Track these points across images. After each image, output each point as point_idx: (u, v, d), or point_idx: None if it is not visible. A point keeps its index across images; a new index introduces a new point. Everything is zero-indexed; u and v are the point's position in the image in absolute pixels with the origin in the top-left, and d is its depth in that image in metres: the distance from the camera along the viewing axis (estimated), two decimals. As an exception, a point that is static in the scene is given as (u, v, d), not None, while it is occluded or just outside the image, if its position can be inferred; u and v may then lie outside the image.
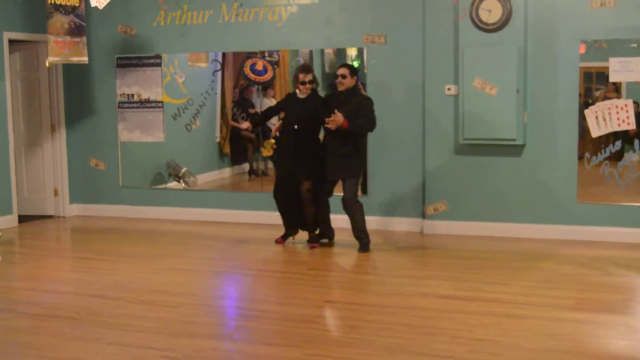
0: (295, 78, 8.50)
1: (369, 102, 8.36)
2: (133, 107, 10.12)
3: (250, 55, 10.20)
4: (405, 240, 8.97)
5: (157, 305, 6.56)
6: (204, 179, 11.00)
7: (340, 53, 10.27)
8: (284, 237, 8.85)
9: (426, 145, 9.24)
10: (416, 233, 9.31)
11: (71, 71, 10.83)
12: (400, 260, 8.04)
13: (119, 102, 10.69)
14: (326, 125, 8.14)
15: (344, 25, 9.60)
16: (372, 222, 9.49)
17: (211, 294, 7.02)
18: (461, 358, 5.17)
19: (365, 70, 9.66)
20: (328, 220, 8.68)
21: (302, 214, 8.62)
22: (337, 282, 7.30)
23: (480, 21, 8.77)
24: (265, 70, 10.13)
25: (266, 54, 10.11)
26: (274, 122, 10.28)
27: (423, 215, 9.35)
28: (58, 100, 10.82)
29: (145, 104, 10.50)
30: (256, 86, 10.41)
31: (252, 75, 10.19)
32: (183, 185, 10.74)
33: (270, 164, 10.86)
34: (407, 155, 9.39)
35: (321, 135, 8.57)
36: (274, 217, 9.83)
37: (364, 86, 9.71)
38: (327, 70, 10.52)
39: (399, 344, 5.42)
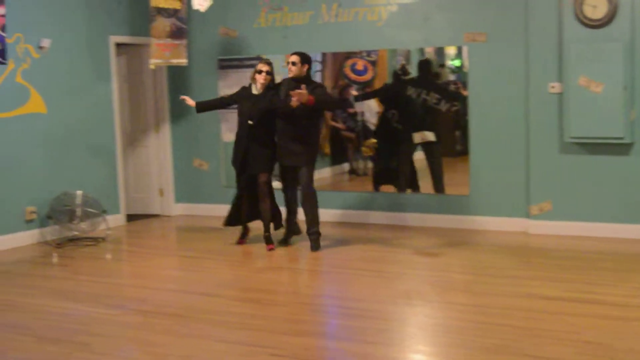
0: (255, 71, 8.58)
1: (322, 87, 8.66)
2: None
3: (350, 55, 10.23)
4: (509, 241, 8.86)
5: (263, 304, 6.65)
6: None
7: (440, 52, 10.20)
8: (243, 237, 9.01)
9: (530, 144, 9.10)
10: (520, 233, 9.18)
11: (175, 73, 11.06)
12: (504, 261, 7.94)
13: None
14: (290, 102, 8.09)
15: (444, 23, 9.53)
16: (475, 222, 9.45)
17: (315, 293, 7.08)
18: (570, 361, 5.10)
19: (465, 70, 9.59)
20: (295, 214, 8.89)
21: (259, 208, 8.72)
22: (439, 282, 7.26)
23: (585, 17, 8.59)
24: (365, 70, 10.14)
25: (364, 54, 10.12)
26: (374, 122, 10.30)
27: (527, 215, 9.22)
28: (163, 102, 11.07)
29: (247, 104, 10.62)
30: (355, 86, 10.42)
31: (352, 75, 10.21)
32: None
33: (370, 164, 10.87)
34: (511, 154, 9.27)
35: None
36: (376, 217, 9.87)
37: (464, 85, 9.63)
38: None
39: (504, 345, 5.37)
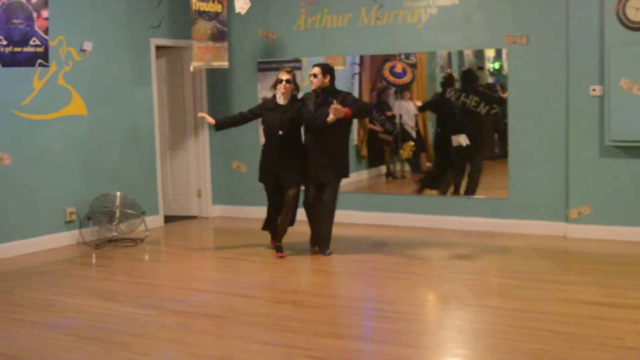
0: (276, 80, 8.31)
1: (350, 94, 8.46)
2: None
3: (388, 57, 10.21)
4: (548, 245, 8.78)
5: (301, 306, 6.65)
6: (342, 181, 11.05)
7: (479, 54, 10.15)
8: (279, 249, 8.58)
9: (570, 147, 9.02)
10: (559, 237, 9.10)
11: (214, 76, 11.12)
12: (544, 265, 7.87)
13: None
14: (328, 118, 7.91)
15: (485, 26, 9.48)
16: (513, 225, 9.38)
17: (352, 295, 7.06)
18: (611, 366, 5.04)
19: (505, 73, 9.53)
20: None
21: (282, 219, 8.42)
22: (477, 286, 7.21)
23: (628, 19, 8.49)
24: (404, 73, 10.13)
25: (402, 56, 10.10)
26: (412, 125, 10.28)
27: (566, 219, 9.14)
28: (202, 104, 11.12)
29: (285, 107, 10.64)
30: (394, 89, 10.41)
31: (391, 78, 10.20)
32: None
33: (407, 167, 10.84)
34: (550, 157, 9.19)
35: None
36: (413, 220, 9.84)
37: (503, 88, 9.58)
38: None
39: (544, 350, 5.31)
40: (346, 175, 8.54)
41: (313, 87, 8.32)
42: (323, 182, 8.35)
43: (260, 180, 8.58)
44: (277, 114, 8.22)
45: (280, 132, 8.18)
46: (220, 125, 8.61)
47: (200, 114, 8.76)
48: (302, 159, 8.32)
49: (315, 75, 8.25)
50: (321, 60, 10.50)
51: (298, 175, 8.32)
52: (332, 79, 8.35)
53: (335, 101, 7.96)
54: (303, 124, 8.34)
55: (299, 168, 8.30)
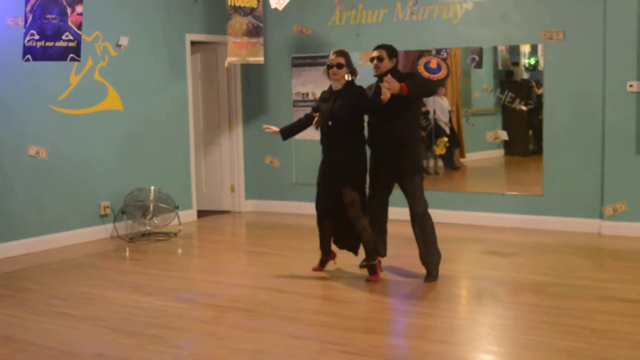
0: (327, 66, 7.17)
1: (414, 74, 7.28)
2: (307, 106, 10.28)
3: (422, 53, 10.17)
4: (582, 242, 8.71)
5: (333, 301, 6.66)
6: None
7: (514, 50, 10.10)
8: (322, 264, 7.62)
9: (606, 144, 8.94)
10: (594, 234, 9.03)
11: (249, 71, 11.15)
12: (579, 262, 7.81)
13: (294, 101, 10.91)
14: (382, 96, 6.72)
15: (521, 21, 9.41)
16: (548, 222, 9.32)
17: (385, 291, 7.03)
18: (647, 365, 4.99)
19: (540, 68, 9.46)
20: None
21: (350, 232, 7.27)
22: (511, 282, 7.17)
23: (666, 14, 8.41)
24: (439, 68, 10.03)
25: (433, 51, 10.05)
26: (446, 121, 10.24)
27: (601, 216, 9.06)
28: (236, 100, 11.16)
29: (319, 102, 10.64)
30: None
31: (426, 74, 10.10)
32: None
33: (440, 163, 10.81)
34: (586, 153, 9.11)
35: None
36: (446, 216, 9.80)
37: (538, 84, 9.51)
38: (499, 67, 10.37)
39: (580, 348, 5.27)
40: (415, 171, 7.16)
41: (377, 73, 7.16)
42: (387, 183, 7.31)
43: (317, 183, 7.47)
44: (329, 103, 7.15)
45: (330, 123, 7.08)
46: (286, 134, 7.69)
47: (265, 126, 7.78)
48: (360, 156, 7.14)
49: (380, 59, 7.10)
50: (356, 56, 10.49)
51: (352, 175, 7.09)
52: (397, 62, 7.28)
53: (389, 75, 6.84)
54: (364, 114, 7.16)
55: (354, 167, 7.11)
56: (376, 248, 7.24)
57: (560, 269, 7.52)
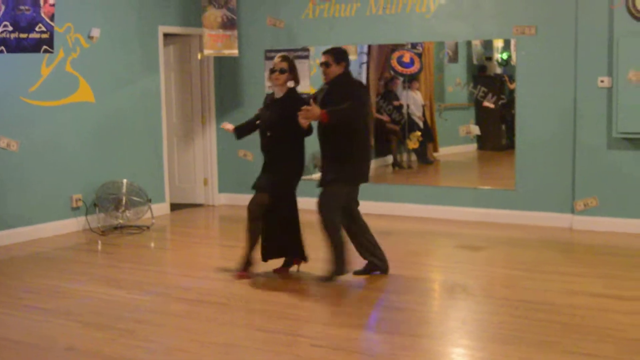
0: (270, 70, 6.95)
1: (359, 86, 7.04)
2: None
3: (396, 47, 10.19)
4: (554, 236, 8.77)
5: (306, 294, 6.66)
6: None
7: (487, 44, 10.14)
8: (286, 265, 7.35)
9: (577, 139, 9.00)
10: (565, 229, 9.09)
11: (222, 64, 11.12)
12: (550, 256, 7.86)
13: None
14: (300, 120, 6.50)
15: (493, 16, 9.44)
16: (520, 216, 9.37)
17: (357, 284, 7.03)
18: (614, 358, 5.02)
19: (513, 63, 9.51)
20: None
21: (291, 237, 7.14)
22: (482, 276, 7.21)
23: (637, 10, 8.45)
24: (412, 63, 10.11)
25: (409, 46, 10.08)
26: (419, 115, 10.27)
27: (573, 211, 9.12)
28: (209, 93, 11.13)
29: (292, 95, 10.60)
30: (401, 78, 10.40)
31: (399, 68, 10.19)
32: (328, 176, 10.83)
33: (414, 157, 10.85)
34: (557, 148, 9.17)
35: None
36: (419, 210, 9.84)
37: (511, 78, 9.56)
38: (474, 62, 10.42)
39: (549, 342, 5.31)
40: (338, 183, 6.82)
41: (324, 80, 6.91)
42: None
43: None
44: (268, 111, 6.97)
45: (268, 134, 6.91)
46: (240, 133, 7.42)
47: (223, 125, 7.62)
48: (290, 167, 6.95)
49: (327, 65, 6.79)
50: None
51: (274, 183, 6.93)
52: (347, 65, 6.89)
53: (312, 102, 6.67)
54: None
55: (279, 175, 6.93)
56: (250, 252, 7.02)
57: (531, 263, 7.57)
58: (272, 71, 6.85)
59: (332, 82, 6.82)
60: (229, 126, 7.48)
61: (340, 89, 6.73)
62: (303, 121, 6.51)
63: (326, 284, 6.90)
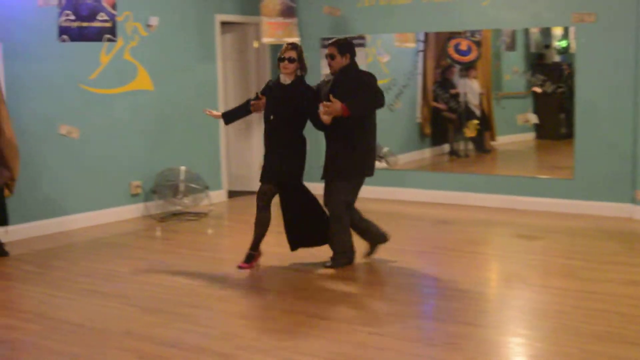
0: (278, 58, 6.94)
1: (369, 76, 6.88)
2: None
3: (453, 35, 10.11)
4: (613, 226, 8.63)
5: (361, 283, 6.68)
6: (405, 159, 11.03)
7: (546, 32, 10.01)
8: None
9: (638, 128, 8.83)
10: (625, 219, 8.94)
11: (278, 52, 11.11)
12: (609, 246, 7.74)
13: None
14: (322, 116, 6.59)
15: (552, 3, 9.30)
16: (578, 206, 9.25)
17: (414, 273, 7.02)
18: (677, 350, 4.95)
19: (572, 51, 9.36)
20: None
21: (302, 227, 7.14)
22: (541, 266, 7.14)
23: (702, -3, 8.28)
24: (469, 50, 10.02)
25: (467, 34, 9.99)
26: (476, 103, 10.18)
27: (633, 201, 8.97)
28: (265, 80, 11.11)
29: (349, 84, 10.56)
30: (458, 66, 10.32)
31: (456, 56, 10.11)
32: (384, 164, 10.81)
33: (471, 145, 10.77)
34: (617, 137, 9.01)
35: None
36: (475, 199, 9.77)
37: (570, 67, 9.41)
38: (532, 50, 10.29)
39: (609, 332, 5.24)
40: (347, 177, 6.98)
41: (330, 72, 6.93)
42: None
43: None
44: (276, 95, 6.93)
45: (271, 117, 6.89)
46: (228, 118, 7.39)
47: (205, 110, 7.63)
48: (295, 154, 6.95)
49: (332, 57, 6.82)
50: (386, 37, 10.46)
51: (280, 172, 6.94)
52: (353, 56, 6.90)
53: (331, 97, 6.54)
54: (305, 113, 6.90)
55: (283, 163, 6.91)
56: (258, 241, 7.09)
57: (590, 253, 7.47)
58: (281, 59, 6.81)
59: (338, 74, 6.83)
60: (215, 113, 7.48)
61: (348, 79, 6.76)
62: (325, 117, 6.55)
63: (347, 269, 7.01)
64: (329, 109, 6.48)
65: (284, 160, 6.89)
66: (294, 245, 7.21)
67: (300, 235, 7.17)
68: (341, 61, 6.82)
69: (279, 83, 6.93)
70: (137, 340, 5.32)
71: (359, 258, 7.25)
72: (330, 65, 6.87)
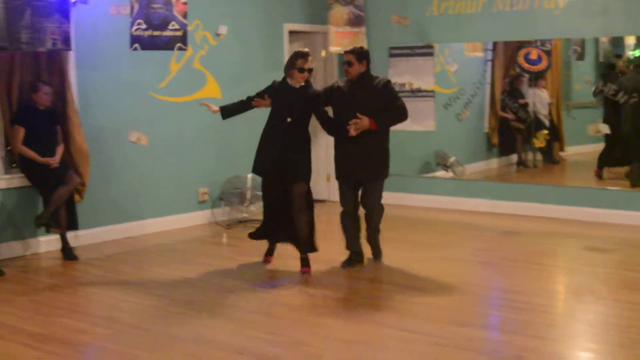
0: (292, 64, 7.18)
1: (390, 83, 7.25)
2: (405, 97, 10.20)
3: (523, 44, 10.00)
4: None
5: (428, 292, 6.61)
6: (472, 169, 10.95)
7: (617, 42, 9.85)
8: (269, 254, 7.75)
9: None
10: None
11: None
12: (682, 261, 7.58)
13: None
14: (351, 132, 6.94)
15: (623, 13, 9.13)
16: None
17: (480, 284, 6.96)
18: None
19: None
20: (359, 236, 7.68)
21: (293, 224, 7.39)
22: (611, 279, 7.01)
23: None
24: (539, 60, 9.91)
25: (538, 43, 9.88)
26: (545, 114, 10.04)
27: None
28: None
29: (416, 93, 10.56)
30: (527, 76, 10.21)
31: (526, 65, 10.01)
32: (451, 174, 10.74)
33: (539, 156, 10.64)
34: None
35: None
36: (544, 210, 9.63)
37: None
38: (600, 59, 10.14)
39: (682, 348, 5.13)
40: (384, 177, 7.47)
41: (347, 78, 7.27)
42: (360, 182, 7.52)
43: (256, 171, 7.55)
44: (289, 99, 7.23)
45: (289, 119, 7.18)
46: (225, 113, 7.76)
47: (203, 103, 7.89)
48: (309, 152, 7.29)
49: (349, 64, 7.15)
50: (453, 46, 10.40)
51: (305, 169, 7.27)
52: (369, 63, 7.27)
53: (359, 115, 6.95)
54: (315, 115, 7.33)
55: (308, 162, 7.28)
56: (313, 242, 7.51)
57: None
58: (302, 70, 7.13)
59: (357, 80, 7.20)
60: (214, 108, 7.73)
61: (366, 86, 7.15)
62: (354, 132, 6.94)
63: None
64: (358, 125, 6.93)
65: (302, 156, 7.26)
66: (270, 238, 7.68)
67: (281, 229, 7.52)
68: (359, 68, 7.19)
69: (288, 85, 7.28)
70: (206, 346, 5.35)
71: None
72: (347, 72, 7.22)
